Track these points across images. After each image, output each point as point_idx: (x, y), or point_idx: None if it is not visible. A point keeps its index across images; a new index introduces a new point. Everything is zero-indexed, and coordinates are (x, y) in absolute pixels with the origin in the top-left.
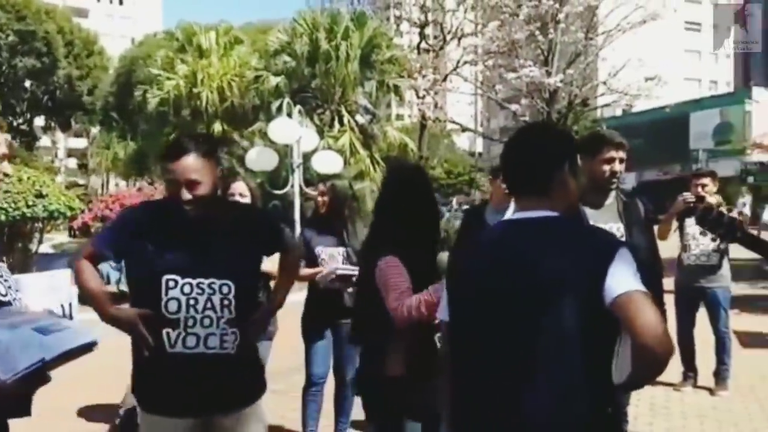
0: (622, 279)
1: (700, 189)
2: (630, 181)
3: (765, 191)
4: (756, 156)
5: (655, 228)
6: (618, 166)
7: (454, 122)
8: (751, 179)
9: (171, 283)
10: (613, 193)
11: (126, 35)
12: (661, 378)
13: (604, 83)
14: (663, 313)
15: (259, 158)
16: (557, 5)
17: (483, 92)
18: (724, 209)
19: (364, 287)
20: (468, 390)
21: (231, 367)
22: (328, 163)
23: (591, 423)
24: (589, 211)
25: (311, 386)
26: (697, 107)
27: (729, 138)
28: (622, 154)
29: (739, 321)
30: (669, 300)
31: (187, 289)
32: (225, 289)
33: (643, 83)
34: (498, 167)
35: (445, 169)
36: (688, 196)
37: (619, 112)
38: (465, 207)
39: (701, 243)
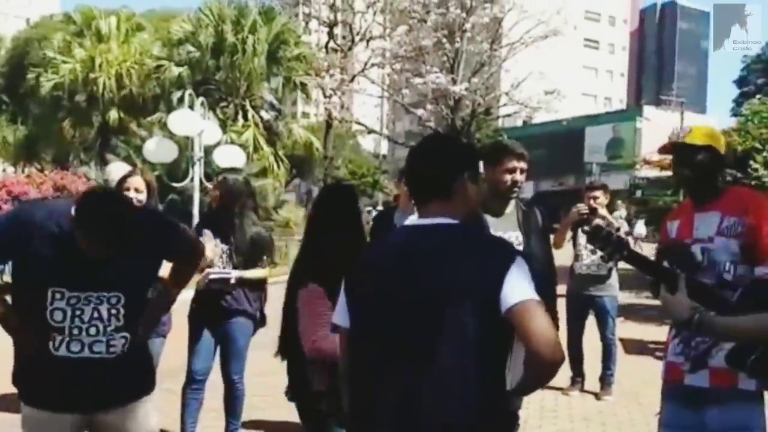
0: (517, 288)
1: (592, 201)
2: (528, 190)
3: (652, 205)
4: (644, 171)
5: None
6: (519, 176)
7: (359, 123)
8: (639, 193)
9: (57, 295)
10: (513, 202)
11: (20, 15)
12: (550, 382)
13: (507, 94)
14: (555, 320)
15: (158, 150)
16: (464, 15)
17: (389, 95)
18: (613, 228)
19: (288, 307)
20: (366, 395)
21: (116, 367)
22: (230, 157)
23: (485, 428)
24: (489, 219)
25: (191, 383)
26: (592, 122)
27: (620, 153)
28: (523, 165)
29: (624, 328)
30: (561, 307)
31: (73, 301)
32: (114, 300)
33: (542, 96)
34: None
35: (349, 170)
36: (582, 207)
37: (520, 123)
38: (368, 209)
39: (592, 253)
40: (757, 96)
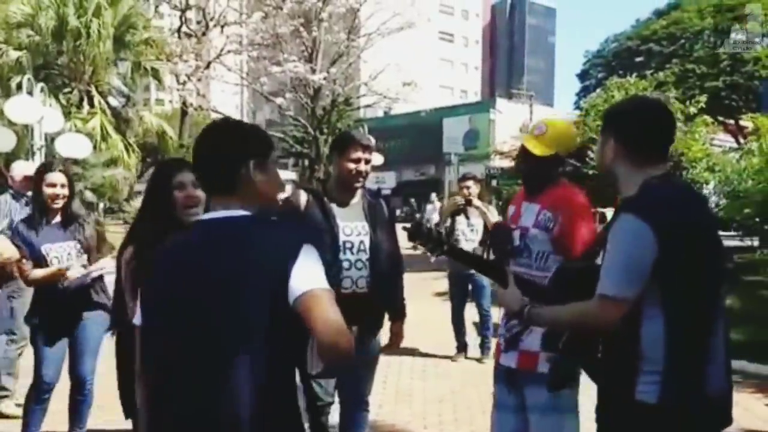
0: (304, 277)
1: (465, 191)
2: (390, 180)
3: (507, 195)
4: (498, 162)
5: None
6: (363, 166)
7: (216, 111)
8: (494, 182)
9: None
10: (359, 193)
11: None
12: (435, 351)
13: (366, 84)
14: (402, 307)
15: None
16: (320, 4)
17: (248, 83)
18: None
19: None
20: (160, 394)
21: None
22: (74, 146)
23: (281, 418)
24: (336, 209)
25: (42, 392)
26: (450, 113)
27: (476, 144)
28: (368, 156)
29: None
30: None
31: None
32: None
33: (401, 87)
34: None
35: None
36: (459, 198)
37: (381, 113)
38: None
39: (469, 238)
40: (598, 89)
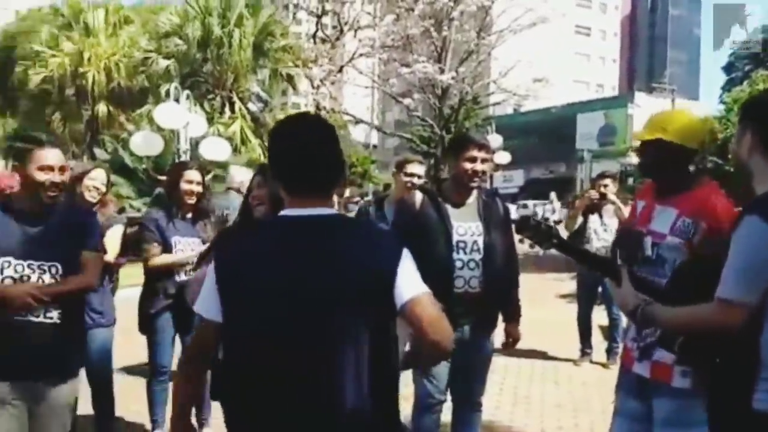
0: (409, 281)
1: (602, 188)
2: (518, 178)
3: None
4: (635, 159)
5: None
6: (480, 166)
7: (348, 114)
8: (630, 180)
9: (5, 264)
10: (474, 193)
11: (8, 7)
12: (557, 354)
13: (495, 82)
14: (518, 308)
15: (144, 143)
16: (452, 3)
17: (378, 85)
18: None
19: None
20: (256, 394)
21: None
22: (215, 150)
23: (382, 416)
24: (450, 210)
25: (159, 374)
26: (584, 109)
27: (612, 140)
28: (484, 155)
29: None
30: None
31: (19, 268)
32: (54, 270)
33: (531, 84)
34: (404, 161)
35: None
36: (593, 193)
37: (510, 111)
38: (356, 199)
39: (602, 237)
40: (745, 82)
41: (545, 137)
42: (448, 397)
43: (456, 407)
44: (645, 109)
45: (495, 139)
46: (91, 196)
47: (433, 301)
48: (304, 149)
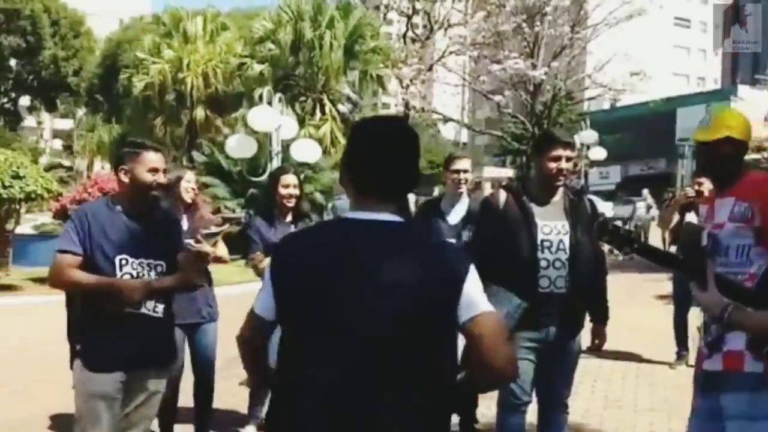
0: (476, 298)
1: (698, 186)
2: (615, 174)
3: None
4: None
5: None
6: (565, 164)
7: (436, 112)
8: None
9: (123, 261)
10: (560, 191)
11: (114, 16)
12: (651, 357)
13: (589, 77)
14: (606, 310)
15: (239, 145)
16: None
17: (468, 83)
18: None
19: None
20: (306, 388)
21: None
22: (306, 151)
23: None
24: (535, 208)
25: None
26: (684, 103)
27: None
28: (569, 153)
29: None
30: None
31: (135, 266)
32: (159, 268)
33: (628, 78)
34: (450, 158)
35: (427, 159)
36: (689, 191)
37: (606, 106)
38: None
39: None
40: None
41: (643, 132)
42: (534, 398)
43: (541, 408)
44: (748, 103)
45: (590, 135)
46: (189, 197)
47: (499, 322)
48: (383, 153)
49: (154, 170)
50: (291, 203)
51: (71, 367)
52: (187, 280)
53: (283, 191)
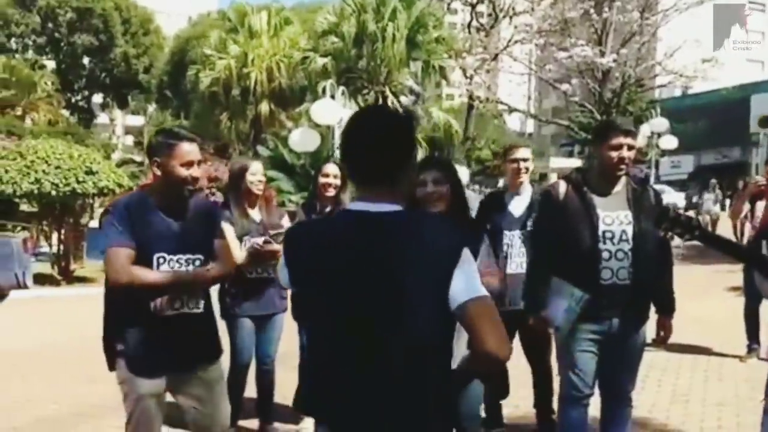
0: (467, 283)
1: None
2: (687, 164)
3: None
4: None
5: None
6: (626, 153)
7: (501, 102)
8: None
9: (161, 259)
10: (623, 181)
11: (182, 13)
12: (721, 350)
13: (659, 64)
14: (672, 300)
15: (302, 139)
16: None
17: (534, 71)
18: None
19: None
20: (325, 370)
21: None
22: None
23: (434, 410)
24: (596, 199)
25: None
26: (759, 90)
27: None
28: (630, 141)
29: None
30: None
31: (173, 264)
32: (197, 263)
33: (699, 65)
34: (509, 147)
35: (492, 150)
36: (760, 180)
37: (677, 93)
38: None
39: None
40: None
41: (716, 120)
42: (597, 391)
43: (604, 402)
44: None
45: (661, 123)
46: (257, 189)
47: (491, 307)
48: (351, 143)
49: (189, 164)
50: (330, 192)
51: (110, 368)
52: (227, 270)
53: (322, 180)
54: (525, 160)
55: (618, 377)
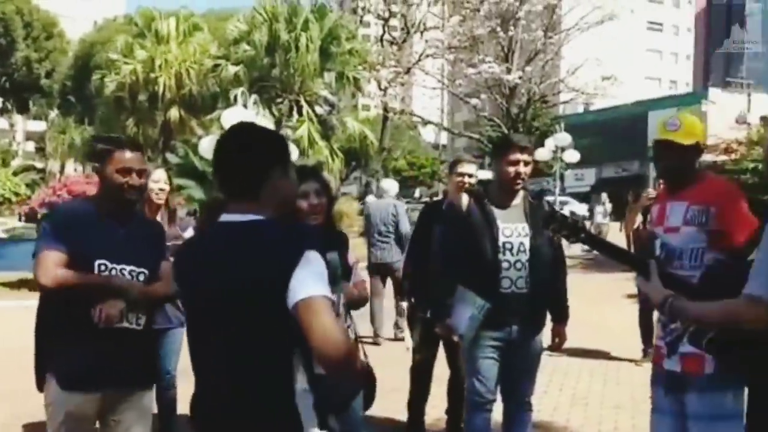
0: (303, 284)
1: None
2: (589, 177)
3: None
4: (708, 156)
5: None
6: (522, 168)
7: (415, 115)
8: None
9: (102, 266)
10: (521, 194)
11: (88, 17)
12: (619, 354)
13: (563, 81)
14: (566, 309)
15: (212, 147)
16: (517, 3)
17: (445, 86)
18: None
19: None
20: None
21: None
22: None
23: (271, 423)
24: (496, 211)
25: None
26: (655, 106)
27: None
28: (526, 157)
29: None
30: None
31: (114, 272)
32: (142, 277)
33: (600, 82)
34: (456, 161)
35: (407, 161)
36: (651, 192)
37: (580, 110)
38: (426, 199)
39: None
40: None
41: (616, 135)
42: (499, 397)
43: (506, 407)
44: (719, 106)
45: (564, 138)
46: (158, 198)
47: (328, 309)
48: (216, 158)
49: (125, 171)
50: None
51: (38, 386)
52: (171, 292)
53: None
54: (470, 175)
55: (518, 383)
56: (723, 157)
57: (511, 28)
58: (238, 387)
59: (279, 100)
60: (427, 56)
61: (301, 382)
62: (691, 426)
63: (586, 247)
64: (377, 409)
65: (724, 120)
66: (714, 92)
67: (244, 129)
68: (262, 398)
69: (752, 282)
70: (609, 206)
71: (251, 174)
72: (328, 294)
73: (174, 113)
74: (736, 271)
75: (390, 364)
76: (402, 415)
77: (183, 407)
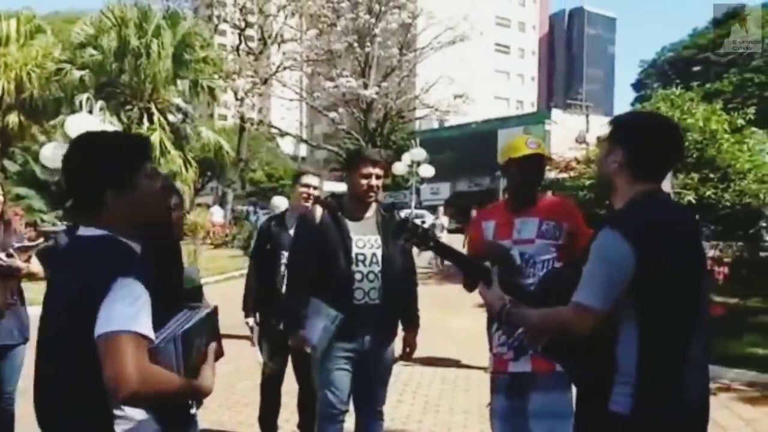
0: (108, 316)
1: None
2: (444, 191)
3: None
4: (551, 174)
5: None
6: (374, 181)
7: (272, 126)
8: (549, 194)
9: None
10: (373, 207)
11: None
12: (470, 362)
13: (417, 98)
14: (417, 319)
15: (55, 155)
16: (373, 20)
17: (302, 98)
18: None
19: None
20: None
21: None
22: None
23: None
24: (349, 223)
25: None
26: (503, 125)
27: None
28: (378, 171)
29: None
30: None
31: None
32: None
33: (452, 100)
34: (300, 173)
35: (266, 172)
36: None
37: (435, 125)
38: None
39: None
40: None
41: (469, 151)
42: (351, 407)
43: (358, 417)
44: (561, 125)
45: (420, 153)
46: None
47: (126, 345)
48: (62, 172)
49: None
50: None
51: None
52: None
53: None
54: (315, 187)
55: (370, 392)
56: (563, 174)
57: (368, 44)
58: (50, 410)
59: (129, 107)
60: (285, 68)
61: (138, 413)
62: (534, 425)
63: (434, 256)
64: (230, 425)
65: (565, 139)
66: (556, 113)
67: (84, 138)
68: (69, 424)
69: (580, 291)
70: (444, 219)
71: (88, 186)
72: (137, 327)
73: (13, 118)
74: (571, 279)
75: (241, 378)
76: (255, 429)
77: (20, 428)
